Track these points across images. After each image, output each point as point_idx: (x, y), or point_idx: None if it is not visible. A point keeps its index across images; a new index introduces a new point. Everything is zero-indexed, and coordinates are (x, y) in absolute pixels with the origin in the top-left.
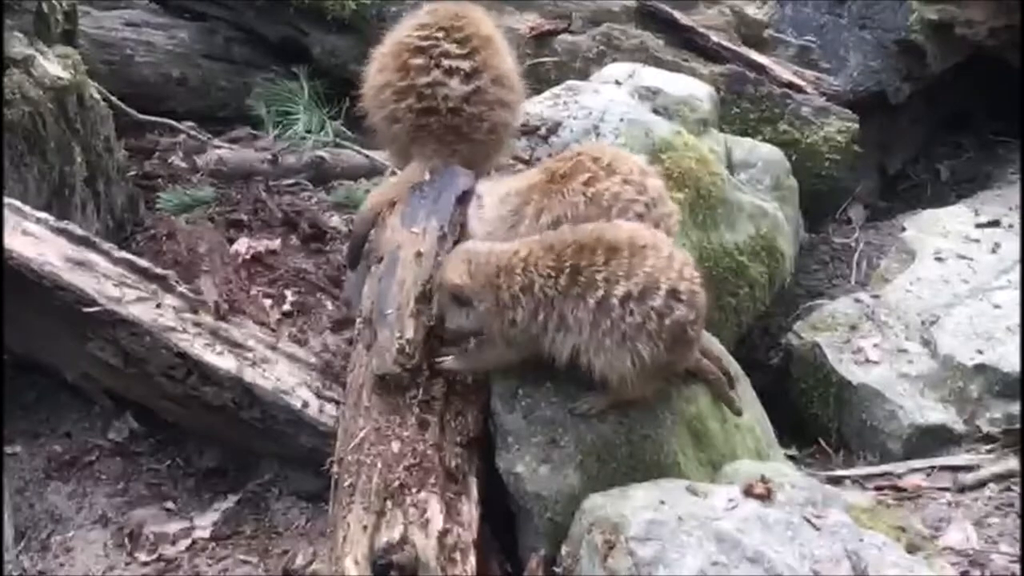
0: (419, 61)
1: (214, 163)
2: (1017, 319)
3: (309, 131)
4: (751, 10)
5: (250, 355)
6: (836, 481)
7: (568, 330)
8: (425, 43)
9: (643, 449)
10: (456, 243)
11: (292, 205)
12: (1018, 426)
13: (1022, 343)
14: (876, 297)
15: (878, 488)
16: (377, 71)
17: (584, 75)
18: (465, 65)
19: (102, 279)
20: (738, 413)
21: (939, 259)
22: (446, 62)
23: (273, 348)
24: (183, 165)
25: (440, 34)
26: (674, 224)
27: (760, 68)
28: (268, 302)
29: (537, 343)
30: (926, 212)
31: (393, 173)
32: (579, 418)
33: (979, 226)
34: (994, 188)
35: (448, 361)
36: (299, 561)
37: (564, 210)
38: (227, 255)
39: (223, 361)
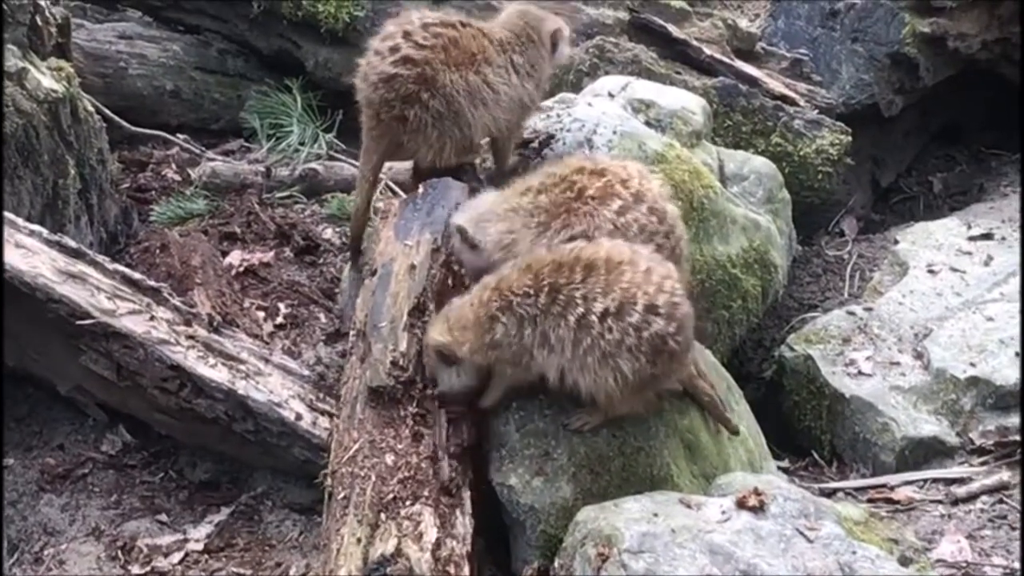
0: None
1: (207, 175)
2: (1009, 332)
3: (302, 144)
4: (744, 23)
5: (243, 367)
6: (829, 493)
7: (551, 349)
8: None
9: (636, 461)
10: (449, 256)
11: (285, 217)
12: (1011, 438)
13: (1022, 354)
14: (869, 310)
15: (871, 500)
16: None
17: (577, 88)
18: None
19: (95, 291)
20: (735, 432)
21: (932, 272)
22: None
23: (266, 360)
24: (176, 177)
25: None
26: (685, 246)
27: (753, 81)
28: (261, 314)
29: (524, 363)
30: (919, 225)
31: (388, 187)
32: (573, 431)
33: (972, 239)
34: (987, 201)
35: (483, 400)
36: (292, 573)
37: (585, 227)
38: (220, 267)
39: (216, 374)
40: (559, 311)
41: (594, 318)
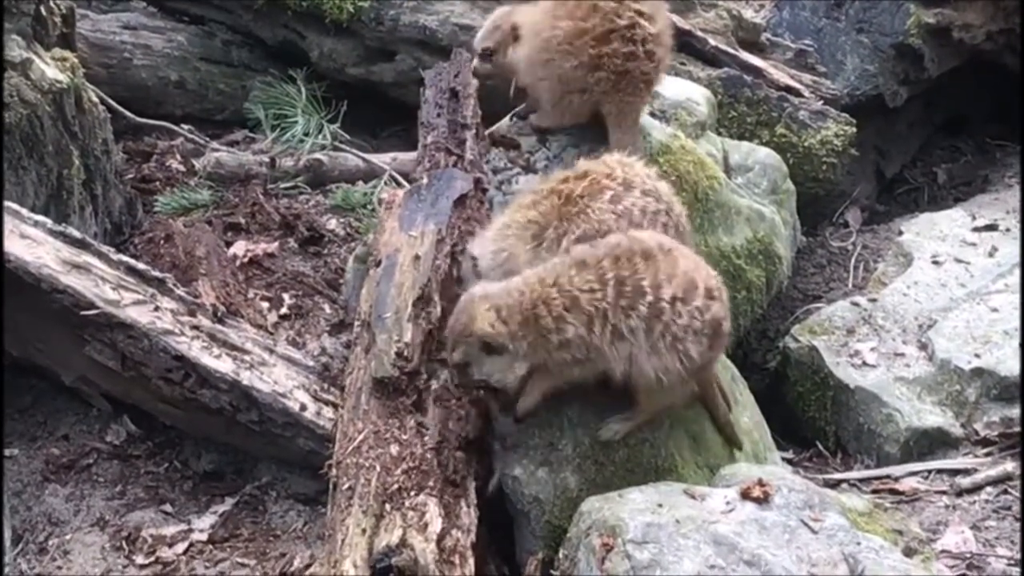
0: (612, 3)
1: (212, 166)
2: (1014, 323)
3: (307, 134)
4: (749, 14)
5: (248, 358)
6: (833, 484)
7: (623, 340)
8: None
9: (641, 452)
10: (454, 247)
11: (290, 208)
12: (1015, 429)
13: (1022, 347)
14: (873, 301)
15: (875, 491)
16: (556, 18)
17: None
18: (645, 6)
19: (100, 282)
20: (739, 447)
21: (936, 263)
22: (632, 3)
23: (271, 351)
24: (181, 168)
25: None
26: (686, 222)
27: (757, 72)
28: (265, 305)
29: (592, 362)
30: (923, 216)
31: (392, 178)
32: (577, 421)
33: (976, 230)
34: (991, 192)
35: (520, 405)
36: (296, 564)
37: (589, 227)
38: (225, 258)
39: (221, 364)
40: (628, 302)
41: (665, 304)
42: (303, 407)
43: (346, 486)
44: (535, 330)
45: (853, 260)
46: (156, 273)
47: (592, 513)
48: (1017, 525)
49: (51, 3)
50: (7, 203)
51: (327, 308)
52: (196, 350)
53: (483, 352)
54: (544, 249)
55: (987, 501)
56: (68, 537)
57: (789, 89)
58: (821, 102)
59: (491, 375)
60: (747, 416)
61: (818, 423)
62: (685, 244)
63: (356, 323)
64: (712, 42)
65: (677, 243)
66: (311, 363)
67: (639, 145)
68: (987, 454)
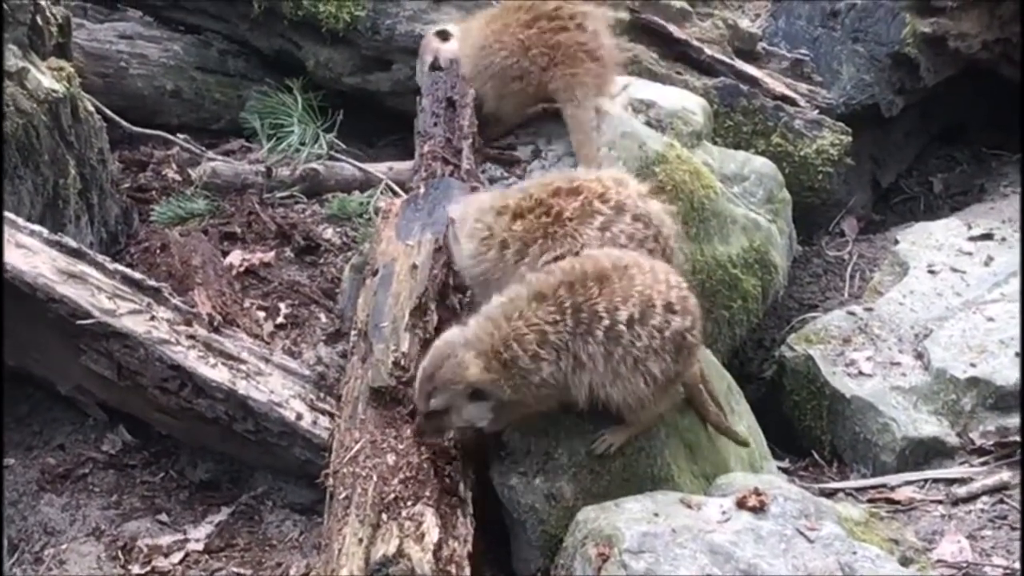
0: (539, 1)
1: (208, 175)
2: (1010, 332)
3: (303, 143)
4: (745, 23)
5: (244, 367)
6: (829, 493)
7: (583, 368)
8: None
9: (637, 461)
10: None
11: (286, 217)
12: (1011, 439)
13: (1022, 354)
14: (869, 310)
15: (871, 500)
16: (487, 24)
17: None
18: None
19: (96, 291)
20: (744, 444)
21: (932, 272)
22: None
23: (267, 360)
24: (177, 177)
25: None
26: (674, 242)
27: (753, 81)
28: (262, 314)
29: (565, 391)
30: (919, 225)
31: (389, 187)
32: (573, 431)
33: (972, 239)
34: (987, 201)
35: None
36: (292, 574)
37: (568, 249)
38: (221, 267)
39: (217, 373)
40: (585, 329)
41: (622, 327)
42: (299, 416)
43: (343, 495)
44: (517, 373)
45: (849, 269)
46: (152, 282)
47: (588, 522)
48: (1013, 534)
49: (47, 13)
50: (3, 212)
51: (323, 317)
52: (192, 359)
53: (469, 400)
54: (526, 266)
55: (983, 510)
56: (64, 547)
57: (785, 98)
58: (817, 111)
59: (472, 420)
60: (743, 425)
61: (814, 432)
62: (669, 264)
63: (353, 332)
64: (708, 51)
65: (637, 257)
66: (307, 372)
67: (595, 124)
68: (983, 463)
